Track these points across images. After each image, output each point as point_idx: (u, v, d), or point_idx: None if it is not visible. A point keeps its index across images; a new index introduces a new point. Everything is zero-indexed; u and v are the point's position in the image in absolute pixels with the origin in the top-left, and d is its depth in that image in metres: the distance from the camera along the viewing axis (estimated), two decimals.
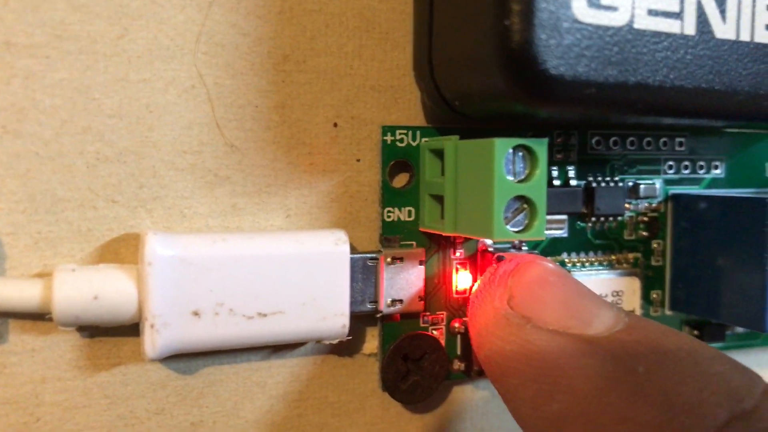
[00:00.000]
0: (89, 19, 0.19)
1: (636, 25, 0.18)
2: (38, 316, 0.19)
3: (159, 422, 0.20)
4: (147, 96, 0.19)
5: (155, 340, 0.18)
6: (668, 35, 0.18)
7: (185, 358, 0.20)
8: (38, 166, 0.19)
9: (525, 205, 0.19)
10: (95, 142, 0.19)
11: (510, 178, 0.19)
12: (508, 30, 0.17)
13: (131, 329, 0.19)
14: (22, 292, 0.18)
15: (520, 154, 0.19)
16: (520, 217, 0.19)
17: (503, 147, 0.18)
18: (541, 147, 0.19)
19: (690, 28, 0.18)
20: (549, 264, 0.19)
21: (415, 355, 0.22)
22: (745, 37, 0.19)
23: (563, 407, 0.16)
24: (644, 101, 0.18)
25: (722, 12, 0.19)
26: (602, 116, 0.20)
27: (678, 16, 0.18)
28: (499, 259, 0.22)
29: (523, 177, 0.19)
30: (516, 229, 0.19)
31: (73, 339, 0.19)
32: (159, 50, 0.19)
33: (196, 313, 0.19)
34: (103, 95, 0.19)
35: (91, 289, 0.18)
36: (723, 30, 0.19)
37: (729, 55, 0.19)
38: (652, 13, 0.18)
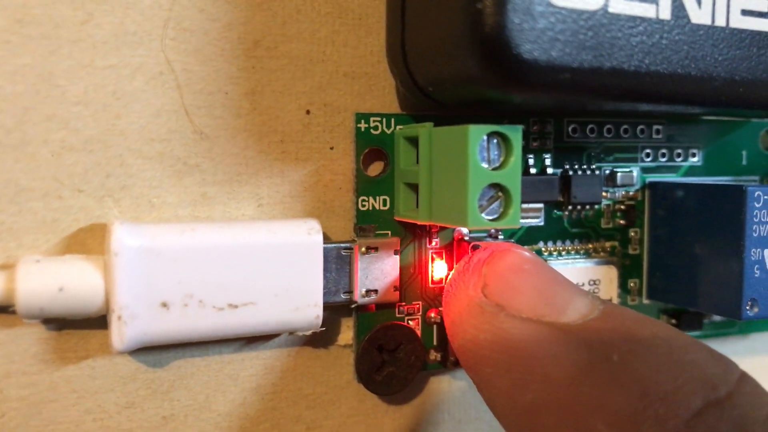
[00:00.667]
0: (52, 3, 0.18)
1: (611, 9, 0.17)
2: (1, 309, 0.18)
3: (129, 416, 0.20)
4: (113, 83, 0.19)
5: (123, 333, 0.18)
6: (643, 20, 0.18)
7: (155, 351, 0.20)
8: (1, 155, 0.18)
9: (500, 193, 0.19)
10: (60, 130, 0.19)
11: (485, 165, 0.18)
12: (481, 13, 0.16)
13: (99, 321, 0.19)
14: None
15: (495, 141, 0.18)
16: (494, 205, 0.19)
17: (477, 134, 0.18)
18: (515, 134, 0.18)
19: (665, 12, 0.18)
20: (524, 252, 0.19)
21: (390, 346, 0.21)
22: (720, 22, 0.19)
23: (537, 396, 0.15)
24: (619, 87, 0.18)
25: None
26: (577, 102, 0.19)
27: (653, 0, 0.18)
28: (475, 248, 0.21)
29: (497, 164, 0.18)
30: (491, 218, 0.18)
31: (39, 332, 0.19)
32: (125, 36, 0.19)
33: (164, 305, 0.18)
34: (68, 82, 0.19)
35: (56, 280, 0.17)
36: (698, 15, 0.19)
37: (705, 41, 0.19)
38: None
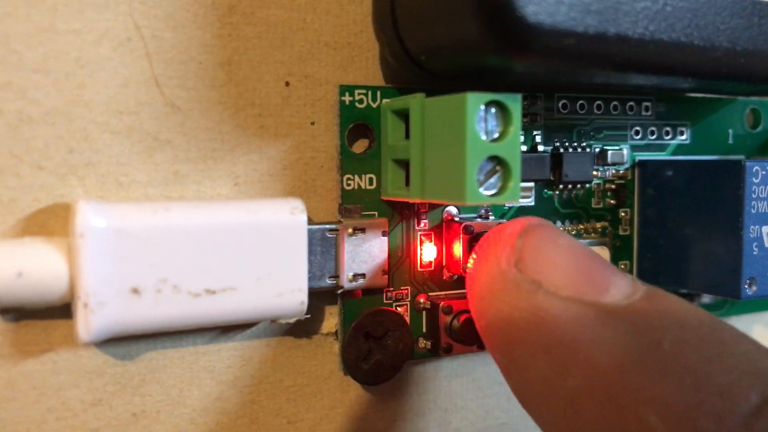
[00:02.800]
0: None
1: None
2: None
3: (96, 414, 0.18)
4: (77, 49, 0.17)
5: (90, 322, 0.16)
6: None
7: (124, 343, 0.18)
8: None
9: (498, 167, 0.17)
10: (17, 100, 0.17)
11: (483, 136, 0.17)
12: None
13: (63, 311, 0.17)
14: None
15: (493, 111, 0.17)
16: (493, 179, 0.17)
17: (475, 102, 0.17)
18: (515, 103, 0.17)
19: None
20: (557, 227, 0.17)
21: (378, 333, 0.20)
22: None
23: (579, 383, 0.14)
24: (623, 55, 0.17)
25: None
26: (578, 71, 0.18)
27: None
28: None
29: (495, 136, 0.17)
30: (489, 193, 0.17)
31: None
32: None
33: (135, 291, 0.17)
34: (26, 47, 0.17)
35: (14, 265, 0.16)
36: None
37: (708, 9, 0.18)
38: None
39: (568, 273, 0.16)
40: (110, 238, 0.16)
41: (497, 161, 0.17)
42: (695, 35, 0.18)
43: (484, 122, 0.17)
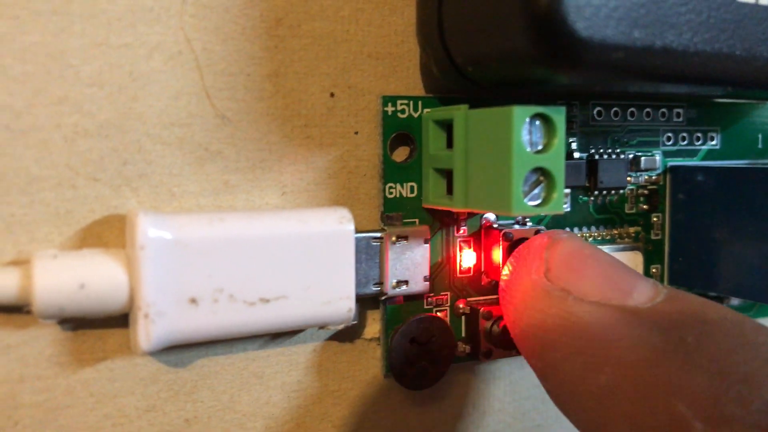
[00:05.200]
0: None
1: None
2: (14, 309, 0.17)
3: (150, 420, 0.18)
4: (129, 62, 0.18)
5: (150, 331, 0.16)
6: None
7: (177, 350, 0.19)
8: (9, 141, 0.17)
9: (542, 178, 0.18)
10: (73, 113, 0.17)
11: (527, 148, 0.17)
12: None
13: (117, 320, 0.18)
14: None
15: (537, 123, 0.18)
16: (537, 190, 0.18)
17: (522, 115, 0.17)
18: (559, 116, 0.18)
19: None
20: (581, 239, 0.18)
21: (423, 339, 0.20)
22: (764, 1, 0.18)
23: (611, 379, 0.15)
24: (668, 66, 0.17)
25: None
26: (622, 83, 0.19)
27: None
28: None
29: (540, 148, 0.18)
30: (534, 203, 0.18)
31: (54, 333, 0.17)
32: (142, 12, 0.18)
33: (193, 301, 0.17)
34: (81, 61, 0.17)
35: (76, 277, 0.16)
36: None
37: (749, 19, 0.18)
38: None
39: (594, 280, 0.17)
40: (169, 249, 0.17)
41: (541, 172, 0.18)
42: (737, 46, 0.18)
43: (529, 134, 0.18)
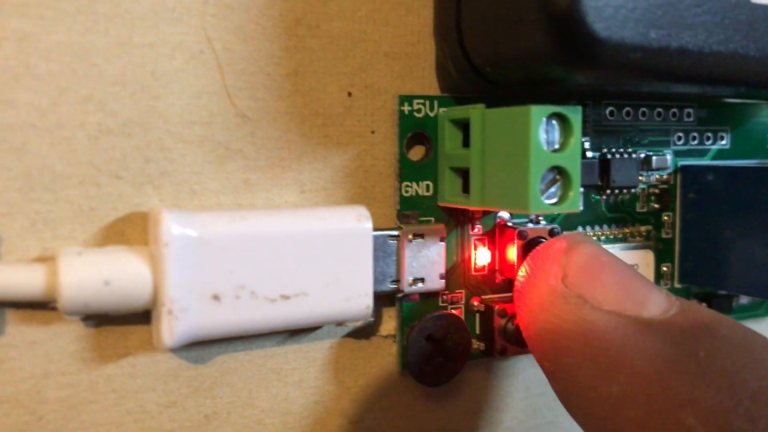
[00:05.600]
0: None
1: None
2: (39, 305, 0.17)
3: (171, 416, 0.19)
4: (152, 62, 0.18)
5: (173, 327, 0.17)
6: None
7: (198, 347, 0.19)
8: (35, 139, 0.17)
9: (558, 176, 0.18)
10: (97, 112, 0.17)
11: (544, 147, 0.18)
12: None
13: (140, 317, 0.18)
14: (23, 279, 0.16)
15: (553, 122, 0.18)
16: (553, 188, 0.18)
17: (539, 115, 0.17)
18: (576, 115, 0.18)
19: None
20: (598, 244, 0.18)
21: (439, 335, 0.21)
22: None
23: (623, 388, 0.15)
24: (683, 67, 0.18)
25: None
26: (638, 82, 0.19)
27: None
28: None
29: (556, 147, 0.18)
30: (551, 201, 0.18)
31: (77, 329, 0.18)
32: (164, 12, 0.18)
33: (216, 297, 0.17)
34: (105, 61, 0.17)
35: (101, 273, 0.16)
36: None
37: (763, 20, 0.18)
38: None
39: (610, 288, 0.17)
40: (192, 246, 0.17)
41: (557, 171, 0.18)
42: (751, 46, 0.18)
43: (546, 134, 0.18)
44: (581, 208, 0.23)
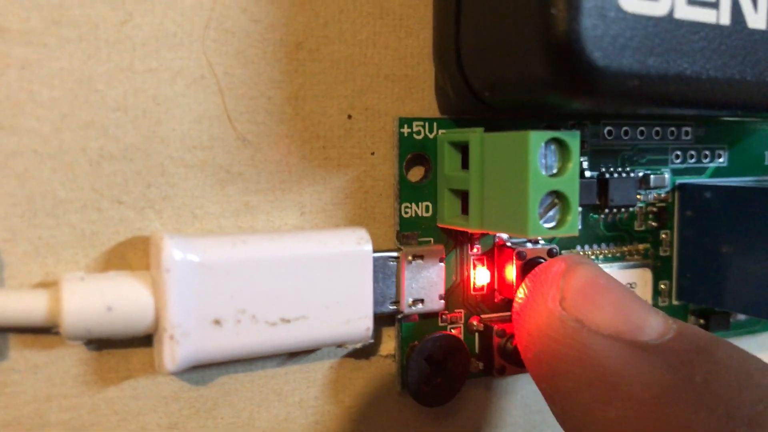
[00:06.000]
0: (90, 3, 0.17)
1: (676, 15, 0.17)
2: (42, 330, 0.17)
3: None
4: (153, 87, 0.18)
5: (175, 352, 0.17)
6: (705, 25, 0.18)
7: (198, 369, 0.19)
8: (37, 164, 0.17)
9: (556, 200, 0.18)
10: (99, 137, 0.17)
11: (543, 172, 0.18)
12: (554, 19, 0.16)
13: (141, 339, 0.18)
14: (26, 305, 0.16)
15: (552, 147, 0.18)
16: (551, 212, 0.18)
17: (538, 140, 0.17)
18: (574, 140, 0.18)
19: (725, 17, 0.18)
20: (597, 265, 0.18)
21: (439, 357, 0.21)
22: None
23: (621, 414, 0.15)
24: (681, 93, 0.18)
25: (754, 1, 0.18)
26: (636, 108, 0.19)
27: (714, 5, 0.18)
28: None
29: (554, 171, 0.18)
30: (549, 225, 0.18)
31: (79, 353, 0.18)
32: (166, 37, 0.18)
33: (217, 322, 0.17)
34: (107, 86, 0.17)
35: (103, 299, 0.16)
36: (754, 20, 0.18)
37: (760, 45, 0.19)
38: (691, 2, 0.17)
39: (608, 312, 0.17)
40: (194, 271, 0.17)
41: (556, 195, 0.18)
42: (747, 71, 0.19)
43: (545, 158, 0.18)
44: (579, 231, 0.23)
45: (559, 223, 0.18)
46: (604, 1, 0.16)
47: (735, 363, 0.16)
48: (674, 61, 0.17)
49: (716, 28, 0.18)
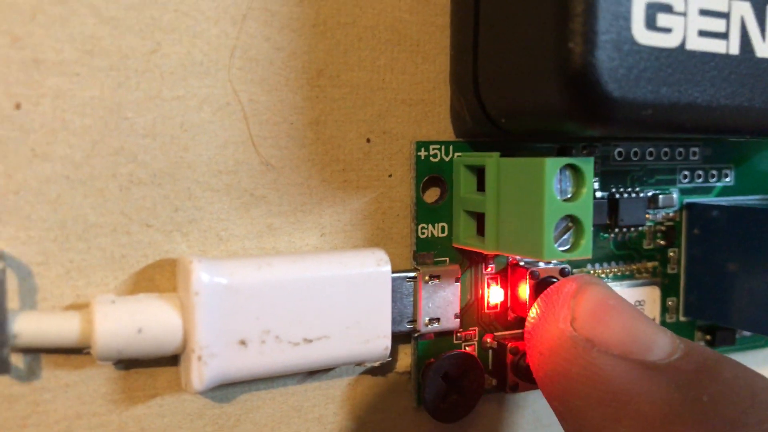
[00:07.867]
0: (120, 34, 0.18)
1: (688, 47, 0.18)
2: (73, 350, 0.18)
3: None
4: (181, 114, 0.18)
5: (203, 373, 0.17)
6: (715, 55, 0.18)
7: (222, 386, 0.19)
8: (69, 190, 0.18)
9: (570, 224, 0.19)
10: (128, 163, 0.18)
11: (557, 196, 0.18)
12: (572, 52, 0.16)
13: (168, 358, 0.19)
14: (59, 327, 0.17)
15: (567, 172, 0.19)
16: (566, 236, 0.19)
17: (553, 167, 0.18)
18: (588, 165, 0.19)
19: (734, 47, 0.19)
20: (606, 286, 0.19)
21: (455, 374, 0.21)
22: None
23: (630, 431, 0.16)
24: (692, 120, 0.18)
25: (762, 30, 0.19)
26: (648, 134, 0.20)
27: (724, 36, 0.18)
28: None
29: (569, 195, 0.19)
30: (563, 249, 0.19)
31: (108, 372, 0.18)
32: (193, 66, 0.19)
33: (242, 342, 0.18)
34: (136, 114, 0.18)
35: (134, 321, 0.17)
36: (763, 49, 0.19)
37: (767, 74, 0.19)
38: (703, 34, 0.18)
39: (617, 332, 0.18)
40: (221, 294, 0.18)
41: (570, 218, 0.19)
42: (756, 99, 0.19)
43: (559, 183, 0.19)
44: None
45: (573, 247, 0.19)
46: (620, 35, 0.17)
47: (741, 382, 0.16)
48: (686, 91, 0.18)
49: (726, 57, 0.18)
